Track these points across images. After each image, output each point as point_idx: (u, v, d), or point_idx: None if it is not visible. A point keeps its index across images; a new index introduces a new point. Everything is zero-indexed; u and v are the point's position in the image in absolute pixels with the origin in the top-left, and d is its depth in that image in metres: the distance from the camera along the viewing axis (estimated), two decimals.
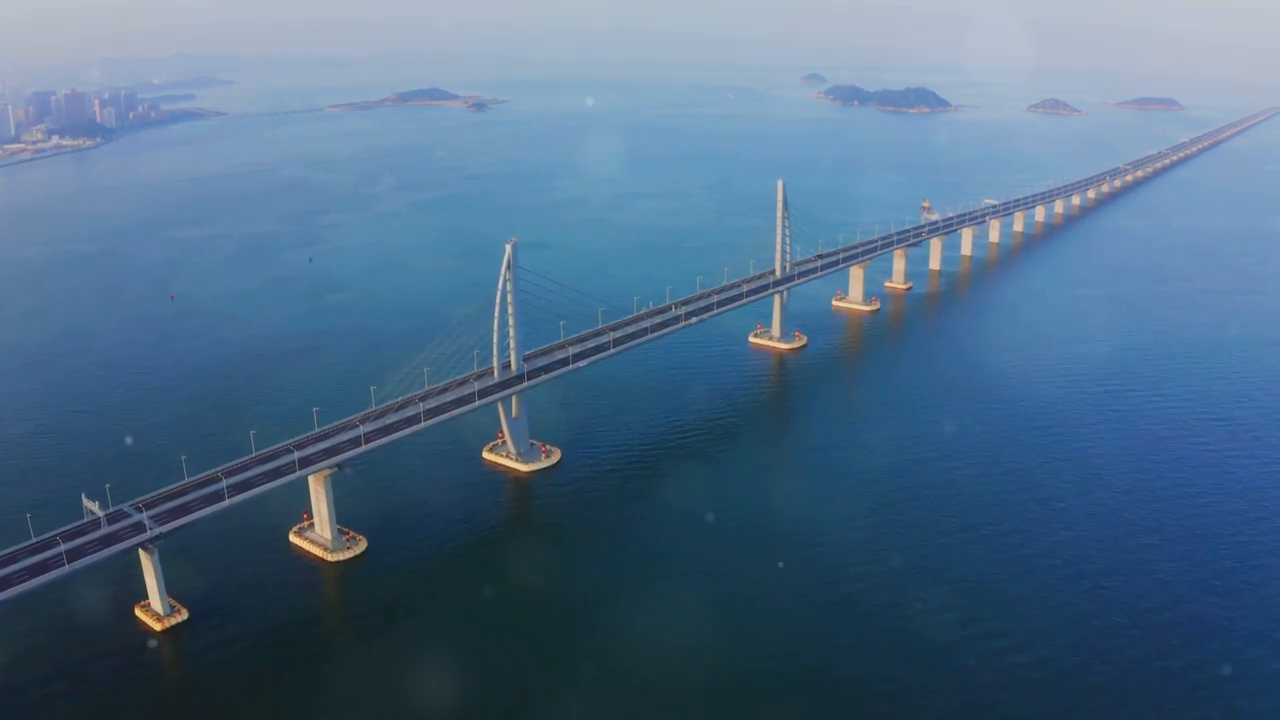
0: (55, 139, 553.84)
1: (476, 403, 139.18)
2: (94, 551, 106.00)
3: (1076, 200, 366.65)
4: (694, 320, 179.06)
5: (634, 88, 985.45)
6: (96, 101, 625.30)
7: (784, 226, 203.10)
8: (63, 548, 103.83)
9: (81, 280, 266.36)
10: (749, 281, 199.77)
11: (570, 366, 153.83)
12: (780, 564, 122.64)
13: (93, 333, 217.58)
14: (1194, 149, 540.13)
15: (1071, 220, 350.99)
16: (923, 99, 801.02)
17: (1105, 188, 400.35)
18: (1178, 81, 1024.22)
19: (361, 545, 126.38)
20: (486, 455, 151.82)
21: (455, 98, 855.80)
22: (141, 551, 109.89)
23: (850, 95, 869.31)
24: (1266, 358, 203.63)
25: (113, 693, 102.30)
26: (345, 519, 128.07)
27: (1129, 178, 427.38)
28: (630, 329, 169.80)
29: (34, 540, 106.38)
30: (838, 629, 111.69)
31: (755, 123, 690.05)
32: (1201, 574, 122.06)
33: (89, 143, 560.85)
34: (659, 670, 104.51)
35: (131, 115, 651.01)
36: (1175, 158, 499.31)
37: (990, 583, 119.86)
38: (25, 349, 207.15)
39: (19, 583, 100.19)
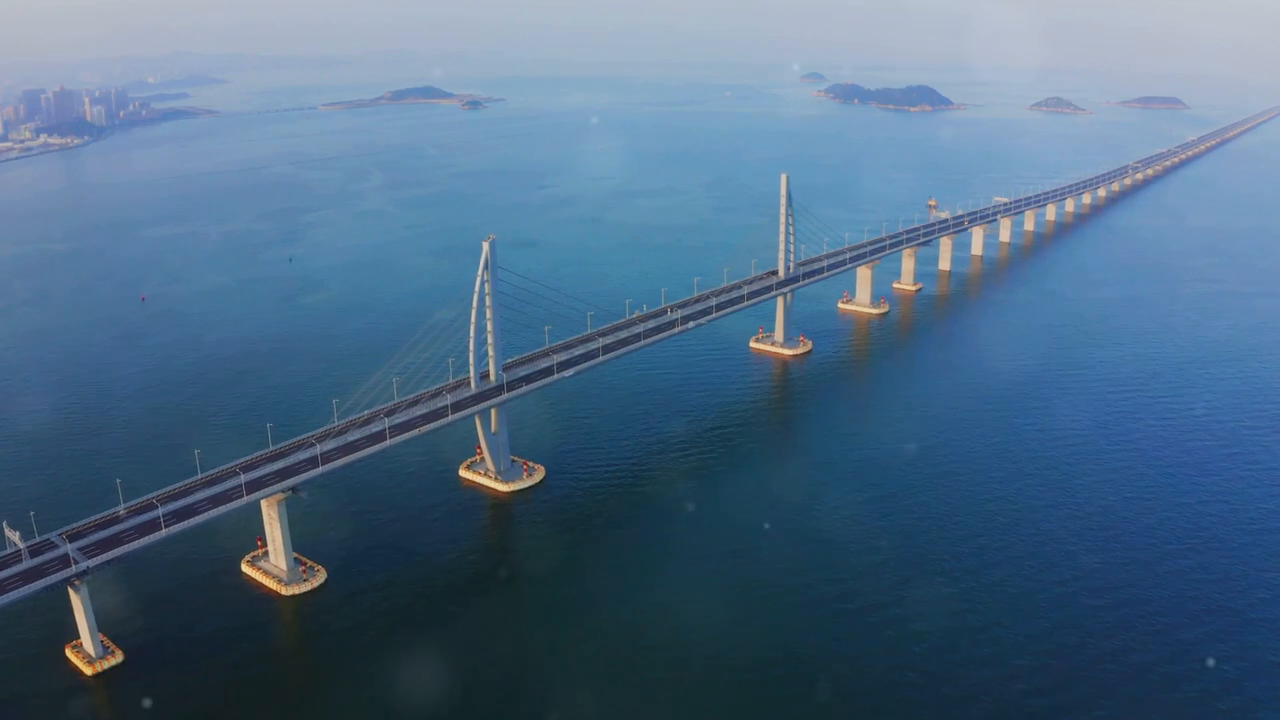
0: (43, 137, 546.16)
1: (449, 417, 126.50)
2: (14, 588, 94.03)
3: (1087, 199, 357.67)
4: (691, 325, 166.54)
5: (631, 86, 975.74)
6: (87, 100, 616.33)
7: (788, 224, 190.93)
8: None
9: (52, 281, 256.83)
10: (750, 283, 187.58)
11: (555, 376, 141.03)
12: (783, 608, 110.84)
13: (55, 336, 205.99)
14: (1202, 147, 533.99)
15: (1083, 219, 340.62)
16: (924, 97, 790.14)
17: (1115, 186, 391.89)
18: (1181, 80, 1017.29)
19: (320, 576, 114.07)
20: (463, 473, 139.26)
21: (450, 96, 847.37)
22: (69, 588, 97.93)
23: (850, 93, 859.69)
24: None
25: None
26: (303, 547, 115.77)
27: (1139, 176, 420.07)
28: (622, 334, 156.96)
29: None
30: (837, 662, 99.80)
31: (753, 121, 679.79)
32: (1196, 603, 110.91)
33: (77, 141, 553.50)
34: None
35: (121, 114, 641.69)
36: (1183, 156, 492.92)
37: (1000, 610, 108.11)
38: None
39: None
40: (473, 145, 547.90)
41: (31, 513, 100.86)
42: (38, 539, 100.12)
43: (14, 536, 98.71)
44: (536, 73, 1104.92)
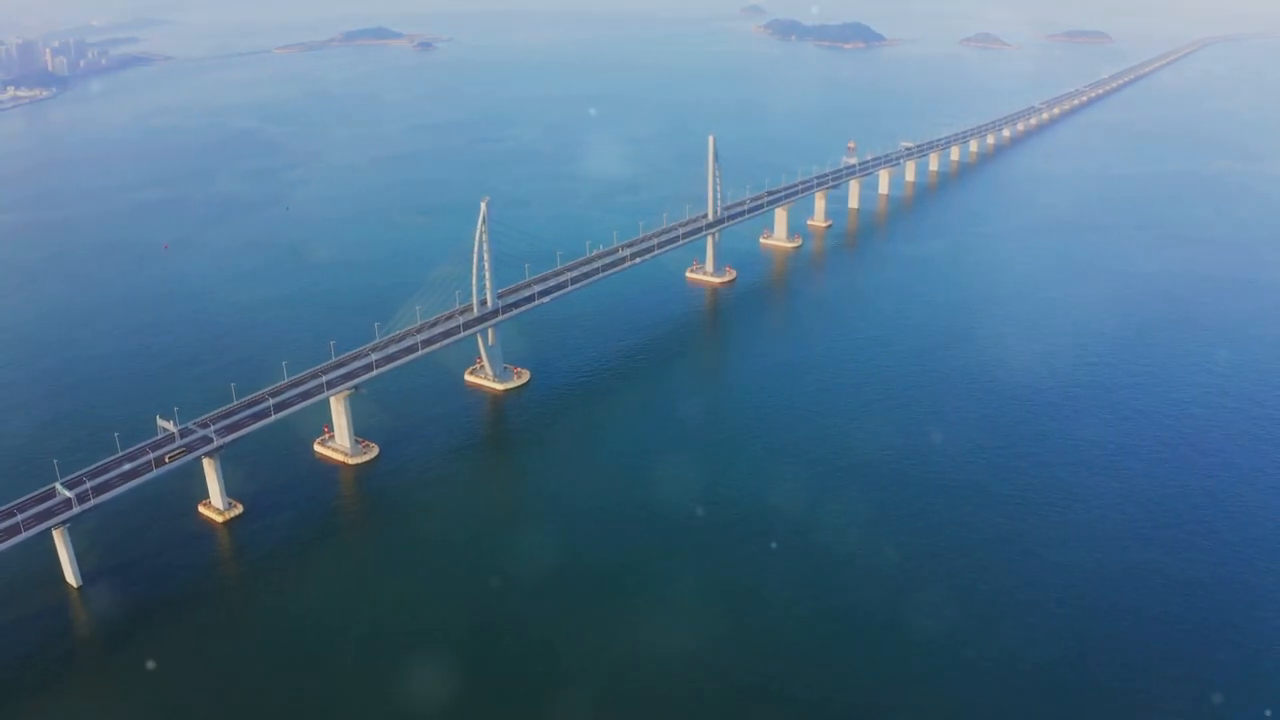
0: (11, 90, 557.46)
1: (461, 334, 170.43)
2: (176, 459, 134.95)
3: (991, 139, 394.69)
4: (638, 260, 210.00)
5: (579, 20, 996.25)
6: (47, 51, 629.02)
7: (714, 176, 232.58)
8: (151, 456, 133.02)
9: (78, 242, 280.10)
10: (685, 224, 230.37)
11: (536, 302, 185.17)
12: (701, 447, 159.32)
13: (146, 286, 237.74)
14: (1113, 85, 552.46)
15: (987, 159, 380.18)
16: (859, 34, 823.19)
17: (1020, 126, 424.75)
18: (1112, 7, 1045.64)
19: (374, 451, 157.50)
20: (468, 377, 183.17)
21: (400, 36, 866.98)
22: (206, 459, 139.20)
23: (789, 29, 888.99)
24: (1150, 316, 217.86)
25: (196, 566, 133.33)
26: (360, 430, 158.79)
27: (1044, 116, 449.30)
28: (584, 269, 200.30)
29: (122, 452, 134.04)
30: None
31: (701, 60, 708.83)
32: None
33: (44, 93, 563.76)
34: (604, 514, 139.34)
35: (81, 63, 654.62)
36: (1091, 95, 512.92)
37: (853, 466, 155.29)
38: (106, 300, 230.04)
39: (119, 485, 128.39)
40: (429, 93, 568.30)
41: (175, 407, 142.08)
42: (182, 425, 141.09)
43: (167, 424, 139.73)
44: (485, 6, 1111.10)
